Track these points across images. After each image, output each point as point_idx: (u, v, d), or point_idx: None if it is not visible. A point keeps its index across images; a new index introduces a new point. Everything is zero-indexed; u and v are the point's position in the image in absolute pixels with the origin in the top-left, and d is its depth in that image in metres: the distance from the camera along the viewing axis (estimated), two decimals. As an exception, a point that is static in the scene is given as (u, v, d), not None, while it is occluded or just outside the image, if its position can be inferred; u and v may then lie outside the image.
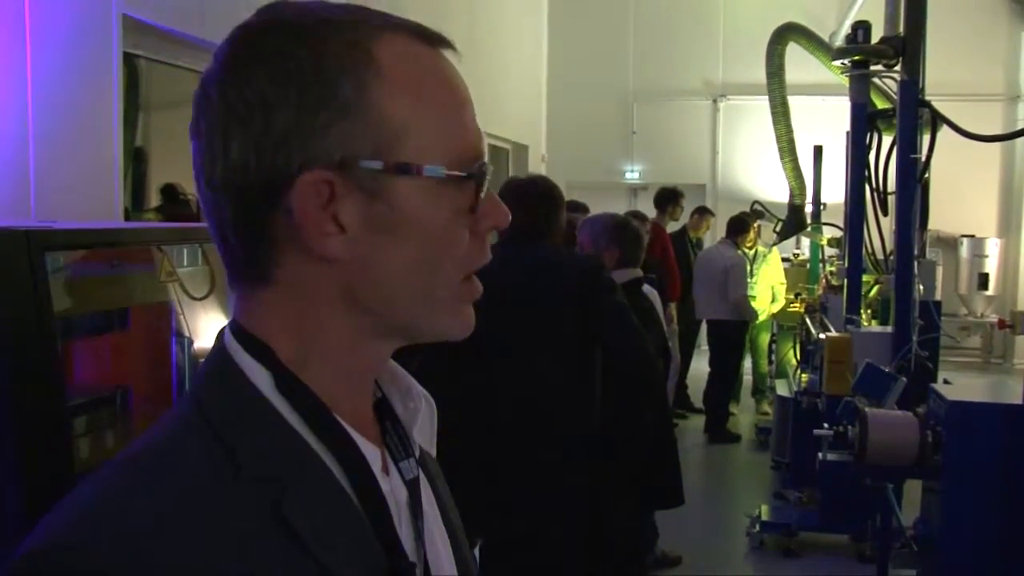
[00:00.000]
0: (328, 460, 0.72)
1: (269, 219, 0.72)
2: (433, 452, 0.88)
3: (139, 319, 2.41)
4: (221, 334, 0.78)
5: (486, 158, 0.79)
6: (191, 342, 2.50)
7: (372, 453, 0.76)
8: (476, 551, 0.89)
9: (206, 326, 2.84)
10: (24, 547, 0.62)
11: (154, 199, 4.86)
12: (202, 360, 2.40)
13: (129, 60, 3.84)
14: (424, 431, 0.85)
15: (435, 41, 0.77)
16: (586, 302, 2.76)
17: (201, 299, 2.74)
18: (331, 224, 0.71)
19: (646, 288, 4.04)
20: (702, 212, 8.95)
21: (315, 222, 0.71)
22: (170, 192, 4.86)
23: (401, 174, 0.71)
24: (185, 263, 2.68)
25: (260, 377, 0.72)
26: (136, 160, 4.58)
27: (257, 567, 0.64)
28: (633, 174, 12.76)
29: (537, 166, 11.52)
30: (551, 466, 2.67)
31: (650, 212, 8.03)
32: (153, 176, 4.93)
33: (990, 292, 11.38)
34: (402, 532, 0.77)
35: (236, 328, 0.76)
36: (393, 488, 0.78)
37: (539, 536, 2.61)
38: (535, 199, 2.94)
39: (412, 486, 0.81)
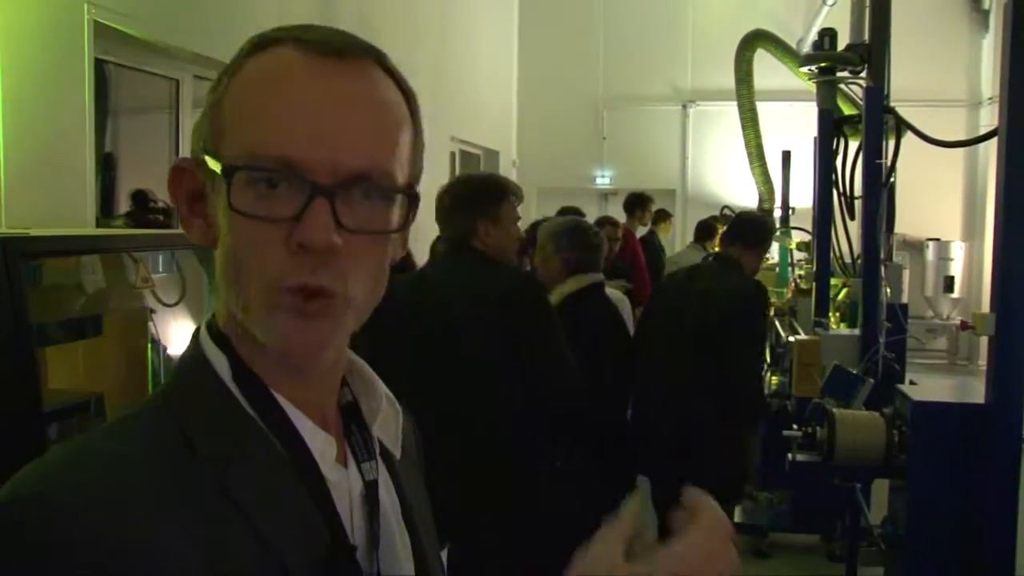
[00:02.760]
0: (279, 446, 0.76)
1: None
2: (398, 453, 0.91)
3: (113, 325, 2.41)
4: (198, 327, 0.83)
5: (313, 169, 0.73)
6: (165, 348, 2.50)
7: (322, 440, 0.79)
8: (444, 553, 0.91)
9: (178, 332, 2.84)
10: None
11: (123, 205, 4.83)
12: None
13: (98, 66, 3.82)
14: (387, 430, 0.89)
15: (323, 49, 0.76)
16: (508, 326, 2.62)
17: (172, 305, 2.74)
18: (199, 210, 0.79)
19: (612, 293, 3.80)
20: (660, 217, 8.98)
21: (183, 209, 0.80)
22: (140, 198, 4.84)
23: (203, 165, 0.77)
24: (159, 269, 2.68)
25: (221, 366, 0.78)
26: (105, 166, 4.56)
27: (200, 537, 0.68)
28: (604, 179, 12.82)
29: (508, 171, 11.55)
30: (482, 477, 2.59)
31: (620, 217, 8.07)
32: (122, 182, 4.90)
33: (955, 295, 11.54)
34: (353, 523, 0.80)
35: (210, 320, 0.81)
36: (350, 480, 0.82)
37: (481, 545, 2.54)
38: (467, 198, 2.79)
39: (370, 486, 0.84)
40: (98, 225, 3.90)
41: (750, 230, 4.05)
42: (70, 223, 3.42)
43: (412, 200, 0.81)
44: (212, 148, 0.77)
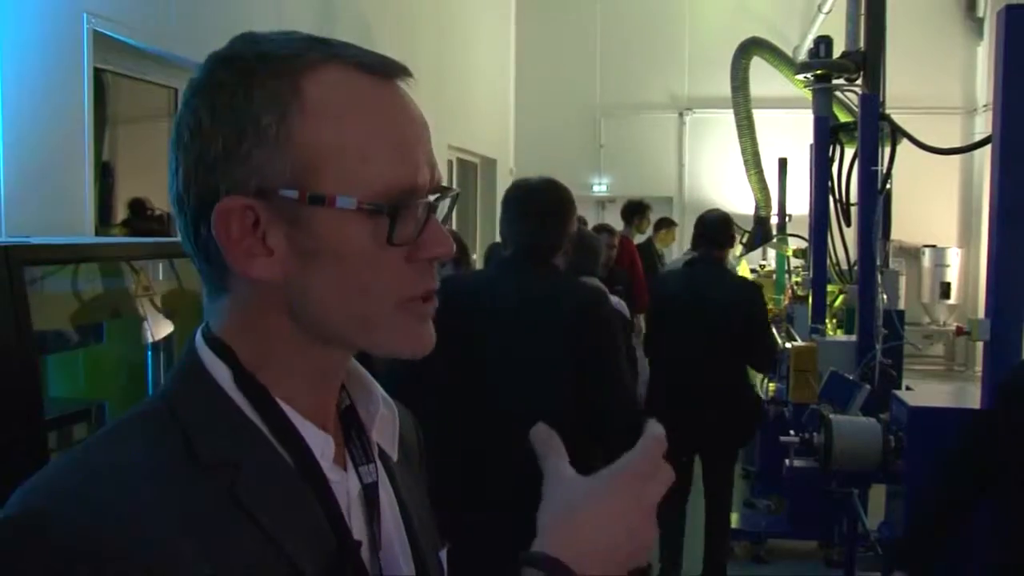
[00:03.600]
0: (280, 448, 0.78)
1: (210, 239, 0.77)
2: (395, 455, 0.92)
3: (114, 334, 2.42)
4: (192, 336, 0.84)
5: (429, 188, 0.80)
6: (165, 356, 2.50)
7: (322, 440, 0.81)
8: (444, 554, 0.93)
9: (178, 340, 2.85)
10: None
11: (121, 214, 4.84)
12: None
13: (96, 74, 3.83)
14: (384, 433, 0.90)
15: (380, 71, 0.78)
16: (580, 339, 2.56)
17: (172, 313, 2.75)
18: (260, 246, 0.76)
19: (614, 300, 3.84)
20: (668, 224, 9.03)
21: (238, 244, 0.75)
22: (138, 207, 4.85)
23: (316, 204, 0.74)
24: (159, 278, 2.68)
25: (221, 373, 0.78)
26: (103, 174, 4.57)
27: (212, 545, 0.69)
28: (601, 187, 12.85)
29: (505, 179, 11.57)
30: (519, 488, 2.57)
31: (618, 225, 8.09)
32: (120, 191, 4.91)
33: (952, 301, 11.57)
34: (352, 524, 0.82)
35: (205, 329, 0.82)
36: (348, 482, 0.84)
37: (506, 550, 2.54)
38: (540, 208, 2.68)
39: (369, 489, 0.85)
40: (96, 233, 3.91)
41: (727, 233, 4.69)
42: (69, 231, 3.43)
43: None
44: (306, 183, 0.75)
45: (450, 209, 0.87)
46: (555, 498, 0.78)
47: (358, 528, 0.83)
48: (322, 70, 0.76)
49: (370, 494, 0.85)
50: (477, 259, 7.98)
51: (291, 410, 0.80)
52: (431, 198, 0.79)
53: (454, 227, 9.68)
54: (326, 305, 0.78)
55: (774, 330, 5.60)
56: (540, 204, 2.68)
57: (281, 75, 0.75)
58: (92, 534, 0.65)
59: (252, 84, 0.75)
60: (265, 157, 0.74)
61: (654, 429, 0.81)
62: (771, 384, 6.10)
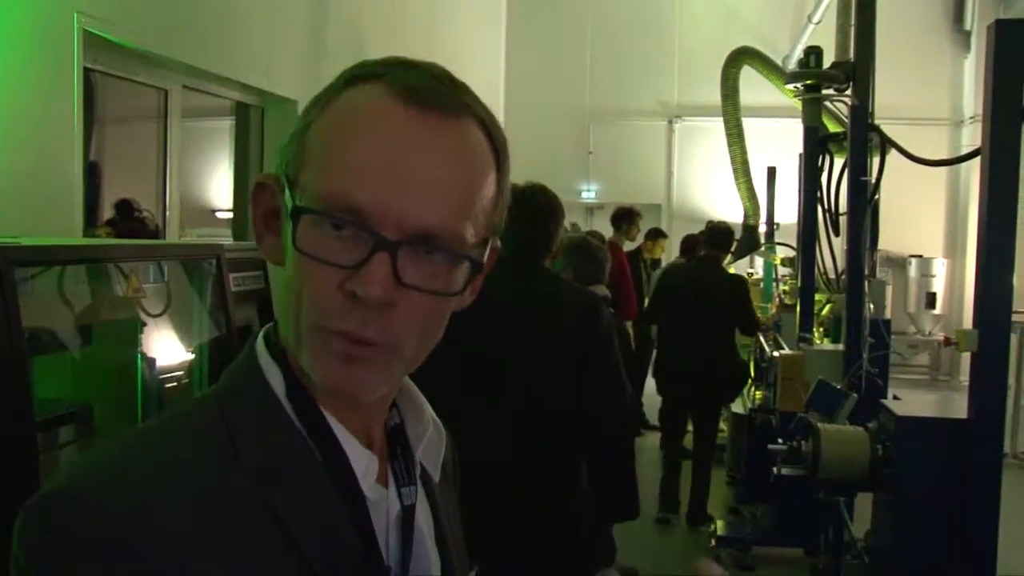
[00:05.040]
0: (323, 462, 0.78)
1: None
2: (437, 477, 0.91)
3: (103, 336, 2.40)
4: (255, 335, 0.84)
5: (382, 221, 0.73)
6: (156, 358, 2.49)
7: (365, 459, 0.80)
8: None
9: (166, 343, 2.83)
10: (41, 490, 0.69)
11: (107, 214, 4.81)
12: (163, 377, 2.39)
13: (84, 74, 3.82)
14: (430, 455, 0.89)
15: (419, 101, 0.75)
16: (582, 343, 2.59)
17: (158, 316, 2.74)
18: (271, 230, 0.80)
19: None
20: (656, 235, 9.04)
21: (258, 224, 0.81)
22: (125, 208, 4.82)
23: (282, 191, 0.78)
24: (149, 280, 2.67)
25: (275, 379, 0.79)
26: (90, 175, 4.55)
27: (239, 548, 0.70)
28: (590, 193, 12.87)
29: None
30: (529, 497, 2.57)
31: (607, 231, 8.10)
32: (107, 191, 4.89)
33: (937, 311, 11.64)
34: (388, 544, 0.81)
35: (268, 331, 0.83)
36: (388, 501, 0.83)
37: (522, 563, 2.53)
38: (529, 214, 2.71)
39: (408, 511, 0.84)
40: (82, 234, 3.89)
41: (722, 236, 6.23)
42: (57, 232, 3.41)
43: (476, 268, 0.80)
44: (292, 175, 0.77)
45: (474, 275, 0.80)
46: None
47: (393, 548, 0.82)
48: (362, 87, 0.77)
49: (407, 515, 0.84)
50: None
51: (338, 425, 0.79)
52: (389, 234, 0.72)
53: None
54: (277, 300, 0.80)
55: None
56: (530, 208, 2.73)
57: (337, 87, 0.79)
58: (119, 521, 0.66)
59: (320, 94, 0.80)
60: (289, 150, 0.79)
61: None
62: (758, 392, 6.12)
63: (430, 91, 0.75)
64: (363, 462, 0.80)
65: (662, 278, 6.53)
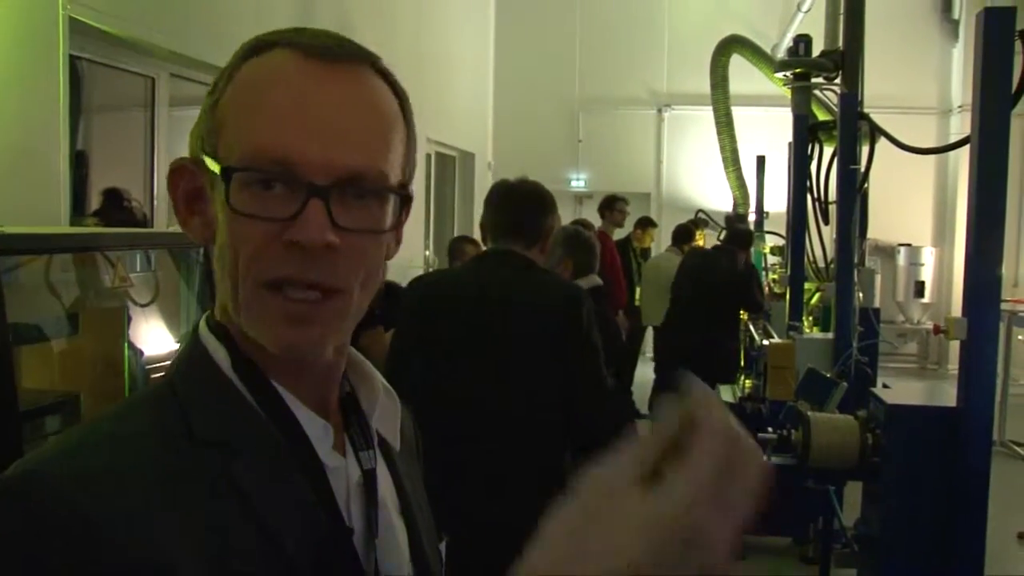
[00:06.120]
0: (277, 432, 0.79)
1: None
2: (397, 445, 0.92)
3: (90, 325, 2.38)
4: (198, 321, 0.86)
5: (312, 169, 0.75)
6: (144, 348, 2.48)
7: (319, 427, 0.81)
8: (443, 547, 0.93)
9: (153, 332, 2.82)
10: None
11: (95, 203, 4.78)
12: (151, 367, 2.38)
13: (71, 62, 3.78)
14: (386, 422, 0.90)
15: (320, 55, 0.78)
16: (563, 338, 2.57)
17: (146, 305, 2.72)
18: (197, 210, 0.81)
19: None
20: (645, 223, 9.04)
21: (180, 206, 0.82)
22: (113, 196, 4.79)
23: (201, 164, 0.79)
24: (135, 269, 2.65)
25: (222, 358, 0.80)
26: (77, 164, 4.52)
27: (199, 519, 0.70)
28: (579, 182, 12.85)
29: (484, 174, 11.55)
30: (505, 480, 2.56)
31: (595, 220, 8.10)
32: (94, 180, 4.86)
33: (926, 299, 11.68)
34: (351, 510, 0.82)
35: (209, 315, 0.84)
36: (348, 468, 0.84)
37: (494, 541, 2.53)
38: (517, 200, 2.76)
39: (369, 475, 0.85)
40: (70, 223, 3.86)
41: (743, 236, 7.10)
42: (43, 221, 3.38)
43: (404, 200, 0.83)
44: (211, 149, 0.79)
45: (403, 209, 0.83)
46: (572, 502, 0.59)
47: (357, 514, 0.83)
48: (265, 54, 0.79)
49: (369, 481, 0.85)
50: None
51: (289, 395, 0.80)
52: (318, 181, 0.74)
53: (431, 222, 9.67)
54: (218, 274, 0.80)
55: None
56: (523, 196, 2.77)
57: (241, 55, 0.81)
58: (71, 496, 0.66)
59: (227, 65, 0.81)
60: (202, 126, 0.80)
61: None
62: (748, 381, 6.14)
63: (328, 47, 0.79)
64: (318, 429, 0.81)
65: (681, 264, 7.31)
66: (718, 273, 6.51)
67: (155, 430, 0.74)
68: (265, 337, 0.77)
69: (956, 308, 11.75)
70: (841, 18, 5.53)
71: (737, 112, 10.20)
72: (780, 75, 6.13)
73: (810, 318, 5.87)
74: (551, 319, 2.55)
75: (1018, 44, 2.78)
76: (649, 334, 8.40)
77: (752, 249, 8.21)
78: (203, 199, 0.81)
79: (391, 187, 0.80)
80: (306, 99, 0.76)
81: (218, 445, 0.75)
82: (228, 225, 0.76)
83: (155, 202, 4.77)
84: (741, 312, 6.87)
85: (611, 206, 8.23)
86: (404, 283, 3.19)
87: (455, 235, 9.30)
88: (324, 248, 0.74)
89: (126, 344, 2.47)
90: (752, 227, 8.58)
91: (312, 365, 0.82)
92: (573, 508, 0.59)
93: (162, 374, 0.83)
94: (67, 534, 0.65)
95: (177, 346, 2.89)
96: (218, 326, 0.82)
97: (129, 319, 2.54)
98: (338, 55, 0.79)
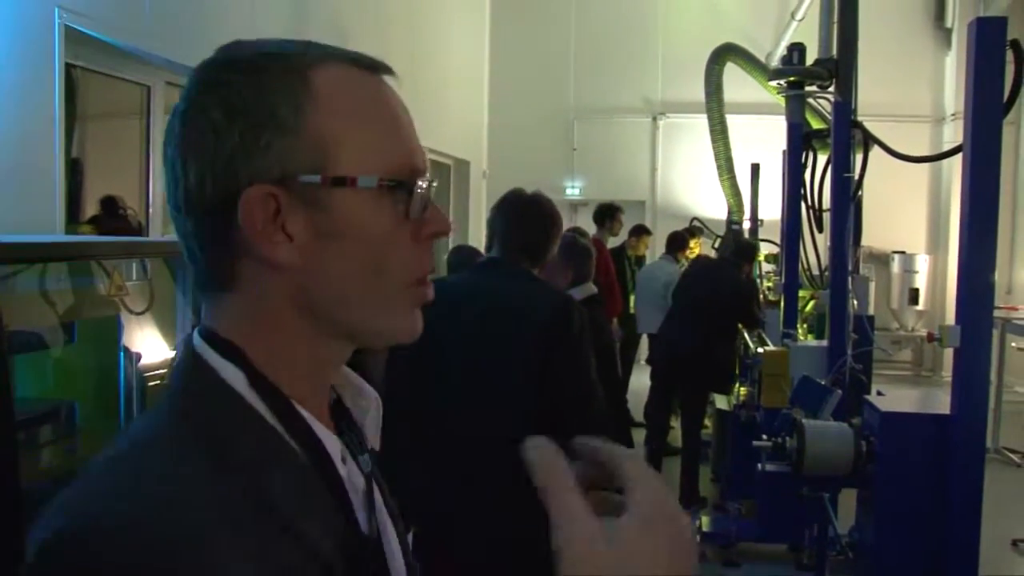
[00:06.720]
0: (297, 449, 0.80)
1: (226, 233, 0.79)
2: (377, 446, 0.95)
3: (86, 334, 2.38)
4: (189, 339, 0.83)
5: (426, 172, 0.86)
6: (139, 357, 2.47)
7: (333, 441, 0.84)
8: (410, 537, 0.99)
9: (148, 341, 2.82)
10: (49, 530, 0.66)
11: (90, 211, 4.78)
12: (147, 375, 2.37)
13: (67, 70, 3.79)
14: (371, 429, 0.93)
15: (372, 67, 0.85)
16: (551, 348, 2.56)
17: (141, 314, 2.72)
18: (279, 234, 0.78)
19: None
20: (640, 231, 9.05)
21: (262, 232, 0.78)
22: (109, 204, 4.80)
23: (338, 186, 0.79)
24: (130, 278, 2.65)
25: (234, 376, 0.79)
26: (72, 171, 4.52)
27: (252, 546, 0.70)
28: (573, 190, 12.86)
29: (479, 182, 11.57)
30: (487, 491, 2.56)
31: (589, 228, 8.10)
32: (89, 188, 4.86)
33: (920, 307, 11.70)
34: (360, 516, 0.84)
35: (206, 333, 0.82)
36: (351, 476, 0.85)
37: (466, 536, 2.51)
38: (532, 220, 2.76)
39: (369, 479, 0.88)
40: (65, 231, 3.86)
41: (748, 250, 7.15)
42: (38, 229, 3.38)
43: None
44: (325, 168, 0.79)
45: None
46: (572, 541, 0.65)
47: (363, 519, 0.85)
48: (323, 66, 0.81)
49: (369, 483, 0.88)
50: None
51: (303, 410, 0.81)
52: (429, 180, 0.85)
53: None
54: (346, 288, 0.81)
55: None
56: (539, 210, 2.78)
57: (291, 70, 0.80)
58: (170, 548, 0.64)
59: (263, 80, 0.79)
60: (285, 146, 0.78)
61: (638, 463, 0.72)
62: (742, 388, 6.14)
63: (375, 61, 0.85)
64: (332, 443, 0.83)
65: (686, 271, 7.30)
66: (723, 284, 6.42)
67: (186, 461, 0.72)
68: (402, 329, 0.85)
69: (950, 315, 11.77)
70: (835, 27, 5.54)
71: (731, 120, 10.21)
72: (774, 83, 6.12)
73: (804, 325, 5.88)
74: (541, 326, 2.55)
75: (1009, 53, 2.80)
76: (644, 342, 8.40)
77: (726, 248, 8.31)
78: (281, 222, 0.79)
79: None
80: (400, 113, 0.85)
81: (251, 467, 0.75)
82: (388, 235, 0.81)
83: (150, 210, 4.77)
84: (739, 325, 6.82)
85: (611, 215, 8.23)
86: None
87: (451, 244, 9.31)
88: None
89: (121, 352, 2.46)
90: (747, 235, 8.60)
91: (326, 377, 0.86)
92: (658, 547, 0.67)
93: (164, 391, 0.82)
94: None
95: (171, 354, 2.88)
96: (223, 342, 0.81)
97: (124, 327, 2.54)
98: (382, 68, 0.86)
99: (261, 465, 0.75)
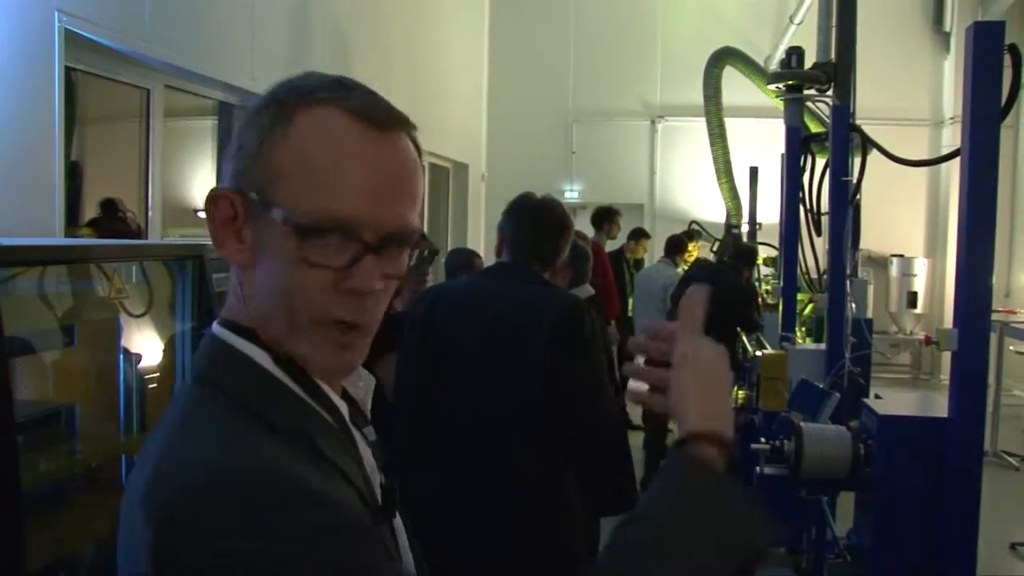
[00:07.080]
0: (325, 414, 0.93)
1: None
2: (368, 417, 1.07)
3: (85, 336, 2.38)
4: (208, 327, 0.96)
5: (380, 232, 0.89)
6: (138, 359, 2.48)
7: (348, 411, 0.97)
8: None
9: (148, 343, 2.82)
10: (174, 487, 0.78)
11: (89, 214, 4.78)
12: (146, 377, 2.37)
13: (67, 74, 3.79)
14: (367, 401, 1.06)
15: (372, 122, 0.90)
16: (562, 350, 2.56)
17: (140, 316, 2.72)
18: (235, 234, 0.91)
19: None
20: (638, 235, 9.06)
21: (221, 229, 0.92)
22: (109, 207, 4.80)
23: (264, 210, 0.88)
24: (130, 280, 2.65)
25: (260, 356, 0.91)
26: (71, 174, 4.52)
27: (326, 483, 0.84)
28: (572, 193, 12.87)
29: (477, 185, 11.58)
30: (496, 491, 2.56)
31: (588, 231, 8.11)
32: (89, 191, 4.86)
33: (918, 310, 11.70)
34: (373, 477, 0.98)
35: (223, 320, 0.94)
36: (360, 444, 0.99)
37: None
38: (545, 226, 2.76)
39: (375, 446, 1.01)
40: (64, 234, 3.86)
41: (749, 254, 7.37)
42: (38, 231, 3.39)
43: (416, 248, 0.97)
44: (265, 192, 0.89)
45: (427, 262, 0.93)
46: (688, 373, 1.07)
47: (375, 481, 0.98)
48: (318, 110, 0.90)
49: (375, 451, 1.00)
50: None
51: (322, 384, 0.94)
52: (370, 239, 0.88)
53: (425, 230, 9.68)
54: (264, 300, 0.91)
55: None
56: (550, 215, 2.79)
57: (283, 108, 0.91)
58: (296, 472, 0.80)
59: (264, 112, 0.91)
60: (248, 164, 0.90)
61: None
62: (740, 392, 6.15)
63: (376, 110, 0.91)
64: (344, 411, 0.96)
65: (687, 273, 7.48)
66: (724, 288, 6.51)
67: (242, 427, 0.84)
68: (313, 360, 0.91)
69: (949, 318, 11.78)
70: (833, 30, 5.56)
71: (730, 123, 10.23)
72: (773, 87, 6.14)
73: (803, 329, 5.89)
74: (552, 329, 2.55)
75: (1007, 58, 2.81)
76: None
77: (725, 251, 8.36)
78: (238, 226, 0.92)
79: (418, 237, 0.94)
80: (367, 169, 0.89)
81: (299, 432, 0.87)
82: (292, 269, 0.88)
83: (150, 213, 4.78)
84: (737, 329, 6.82)
85: (609, 218, 8.25)
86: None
87: (449, 247, 9.32)
88: (372, 294, 0.90)
89: (121, 355, 2.47)
90: (745, 238, 8.62)
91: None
92: (695, 379, 1.08)
93: (191, 373, 0.92)
94: (314, 496, 0.79)
95: (165, 356, 2.88)
96: (245, 330, 0.92)
97: (124, 330, 2.54)
98: (385, 124, 0.91)
99: (308, 432, 0.87)
